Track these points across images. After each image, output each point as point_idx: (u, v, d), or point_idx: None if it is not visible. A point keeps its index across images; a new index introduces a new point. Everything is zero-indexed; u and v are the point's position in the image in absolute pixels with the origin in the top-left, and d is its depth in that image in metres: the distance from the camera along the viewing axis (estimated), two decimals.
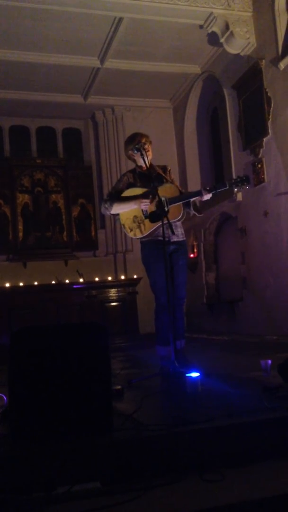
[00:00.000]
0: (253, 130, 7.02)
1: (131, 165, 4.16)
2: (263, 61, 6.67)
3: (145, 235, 3.80)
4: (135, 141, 3.83)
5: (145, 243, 3.91)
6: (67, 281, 8.10)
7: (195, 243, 8.89)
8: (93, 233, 9.43)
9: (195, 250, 8.90)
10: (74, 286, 7.83)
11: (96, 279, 8.14)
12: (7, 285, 7.75)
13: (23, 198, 9.11)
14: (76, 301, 7.73)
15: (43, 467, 1.97)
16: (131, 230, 3.82)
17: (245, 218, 7.40)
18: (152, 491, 1.90)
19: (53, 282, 8.10)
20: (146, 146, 3.82)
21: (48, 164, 9.38)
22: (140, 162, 3.88)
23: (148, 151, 3.85)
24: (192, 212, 3.92)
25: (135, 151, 3.82)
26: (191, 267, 8.89)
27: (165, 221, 3.56)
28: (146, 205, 3.72)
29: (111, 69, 8.05)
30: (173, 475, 2.00)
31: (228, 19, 6.71)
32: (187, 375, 2.99)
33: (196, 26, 7.04)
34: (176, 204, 3.71)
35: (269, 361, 3.39)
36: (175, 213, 3.72)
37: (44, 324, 5.79)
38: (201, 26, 6.98)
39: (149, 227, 3.76)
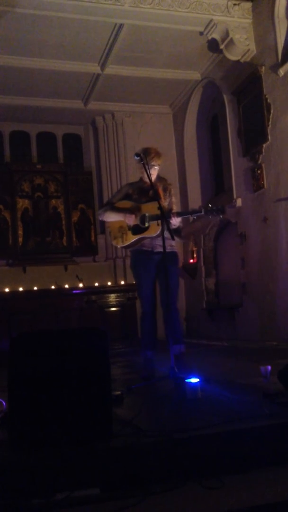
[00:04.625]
0: (253, 136, 7.04)
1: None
2: (263, 67, 6.70)
3: (125, 245, 4.18)
4: (145, 155, 3.95)
5: (132, 252, 4.24)
6: (66, 286, 8.09)
7: (194, 249, 8.90)
8: (92, 238, 9.42)
9: (195, 256, 8.90)
10: (74, 291, 7.81)
11: (96, 284, 8.14)
12: (7, 290, 7.74)
13: (23, 203, 9.11)
14: (76, 306, 7.71)
15: (42, 473, 1.97)
16: (115, 238, 4.24)
17: (244, 223, 7.40)
18: (151, 497, 1.90)
19: (53, 287, 8.09)
20: (152, 162, 3.99)
21: (48, 170, 9.38)
22: (143, 176, 4.09)
23: (153, 167, 4.02)
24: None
25: (139, 162, 3.94)
26: (190, 273, 8.89)
27: (147, 235, 3.97)
28: (131, 220, 4.05)
29: (111, 75, 8.07)
30: (173, 482, 1.99)
31: (228, 26, 6.74)
32: (186, 380, 2.99)
33: (196, 33, 7.07)
34: (156, 221, 3.95)
35: (269, 367, 3.38)
36: (154, 229, 3.97)
37: (44, 329, 5.80)
38: (201, 33, 7.01)
39: (130, 239, 4.14)
